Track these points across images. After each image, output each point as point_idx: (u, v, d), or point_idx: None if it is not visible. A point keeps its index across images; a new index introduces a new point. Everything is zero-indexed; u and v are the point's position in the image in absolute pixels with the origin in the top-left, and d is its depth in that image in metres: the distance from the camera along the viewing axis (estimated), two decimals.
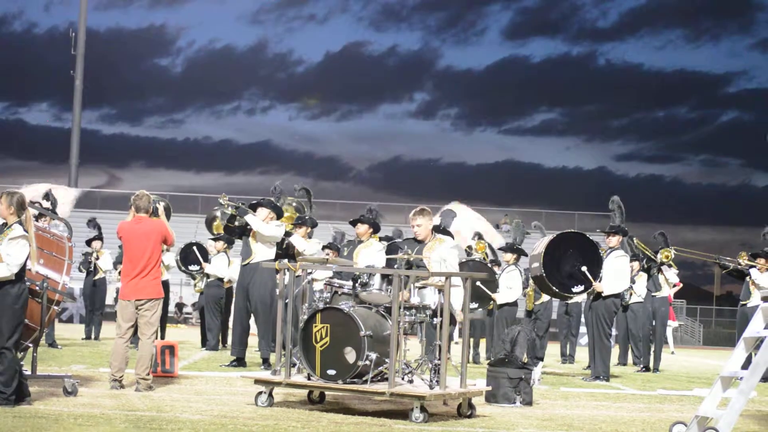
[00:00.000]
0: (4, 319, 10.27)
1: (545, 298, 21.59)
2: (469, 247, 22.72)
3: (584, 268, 16.92)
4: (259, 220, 16.52)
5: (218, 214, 17.59)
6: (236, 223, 16.94)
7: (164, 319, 21.75)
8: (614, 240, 17.79)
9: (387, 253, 12.96)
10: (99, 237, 24.20)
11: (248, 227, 16.70)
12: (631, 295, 22.06)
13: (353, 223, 17.30)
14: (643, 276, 22.03)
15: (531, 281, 20.45)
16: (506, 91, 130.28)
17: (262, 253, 16.73)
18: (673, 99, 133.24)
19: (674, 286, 22.66)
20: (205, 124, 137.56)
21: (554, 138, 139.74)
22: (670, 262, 21.66)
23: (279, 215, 17.00)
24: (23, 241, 10.34)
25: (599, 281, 17.10)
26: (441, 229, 16.37)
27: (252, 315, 17.13)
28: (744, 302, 20.40)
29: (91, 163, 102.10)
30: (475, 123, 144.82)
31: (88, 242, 24.38)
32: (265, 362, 16.67)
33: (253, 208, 16.74)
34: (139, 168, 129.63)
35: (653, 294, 21.84)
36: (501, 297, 20.33)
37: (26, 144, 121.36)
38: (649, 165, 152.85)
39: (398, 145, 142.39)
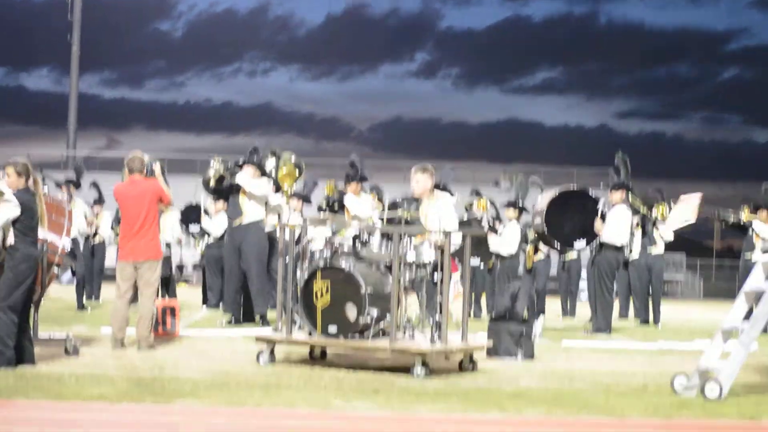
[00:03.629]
0: (6, 280, 10.27)
1: (541, 256, 21.64)
2: (470, 204, 22.67)
3: (599, 206, 16.94)
4: (248, 178, 16.49)
5: (211, 173, 17.55)
6: (224, 184, 16.92)
7: (171, 280, 21.79)
8: (617, 195, 17.76)
9: (388, 209, 12.94)
10: (100, 200, 24.19)
11: (236, 187, 16.67)
12: (631, 251, 22.06)
13: (346, 184, 17.43)
14: (639, 232, 22.01)
15: (530, 239, 20.49)
16: (507, 50, 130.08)
17: (252, 212, 16.70)
18: (673, 57, 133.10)
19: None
20: (206, 86, 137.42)
21: (555, 96, 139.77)
22: (666, 218, 21.61)
23: (263, 173, 16.95)
24: (13, 205, 10.26)
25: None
26: (440, 187, 16.35)
27: (245, 274, 17.09)
28: (747, 256, 20.32)
29: (91, 127, 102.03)
30: (477, 82, 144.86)
31: (91, 206, 24.39)
32: (263, 319, 16.67)
33: (239, 167, 16.72)
34: (139, 131, 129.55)
35: (648, 250, 21.83)
36: (495, 242, 20.19)
37: (27, 109, 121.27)
38: (650, 122, 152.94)
39: (399, 105, 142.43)
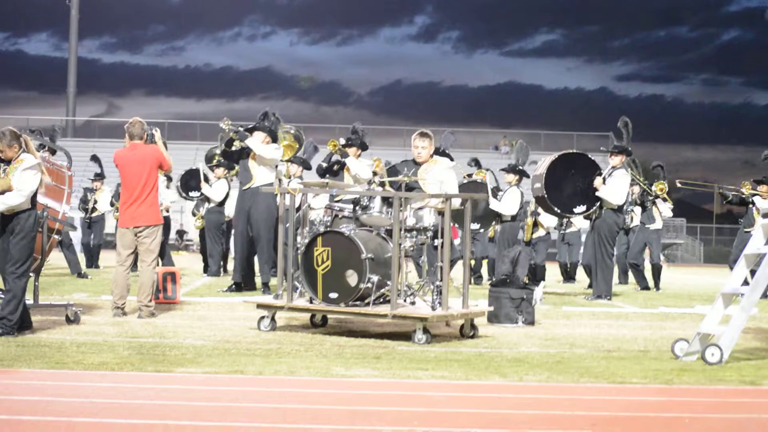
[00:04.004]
0: (18, 246, 10.28)
1: (542, 232, 21.65)
2: (469, 175, 22.62)
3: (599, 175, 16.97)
4: (259, 143, 16.46)
5: (223, 134, 17.49)
6: (234, 147, 16.87)
7: (164, 246, 21.74)
8: (617, 159, 17.73)
9: (387, 175, 12.91)
10: (101, 175, 24.18)
11: (246, 151, 16.63)
12: (632, 218, 22.06)
13: (345, 148, 17.42)
14: (638, 208, 22.04)
15: (528, 213, 20.48)
16: (507, 12, 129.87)
17: (262, 177, 16.67)
18: (674, 18, 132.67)
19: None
20: (206, 51, 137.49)
21: (555, 59, 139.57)
22: (665, 196, 21.60)
23: (274, 139, 16.92)
24: (36, 171, 10.31)
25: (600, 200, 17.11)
26: (440, 152, 16.32)
27: (254, 239, 17.11)
28: (747, 230, 20.23)
29: (90, 92, 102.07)
30: (476, 45, 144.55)
31: (92, 180, 24.42)
32: (265, 286, 16.69)
33: (249, 132, 16.67)
34: (139, 96, 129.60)
35: (647, 225, 21.83)
36: (495, 203, 20.16)
37: (26, 74, 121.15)
38: (650, 85, 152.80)
39: (399, 68, 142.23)
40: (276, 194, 16.42)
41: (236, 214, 17.33)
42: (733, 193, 20.89)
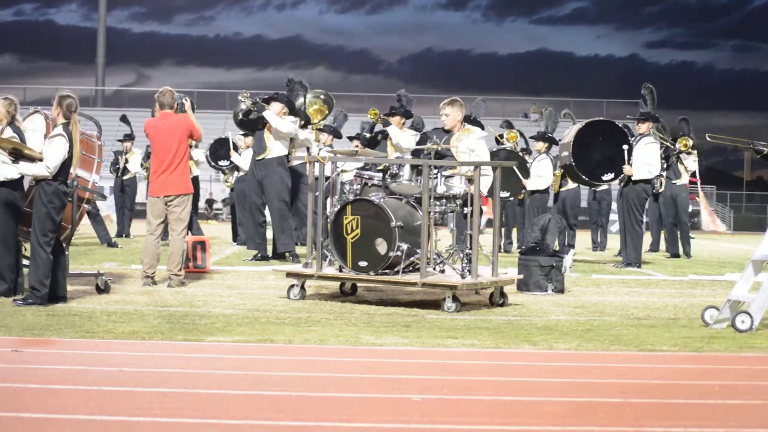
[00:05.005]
0: (38, 216, 10.32)
1: (572, 185, 21.52)
2: (500, 135, 22.61)
3: (625, 147, 16.83)
4: (275, 116, 16.38)
5: (242, 107, 17.46)
6: (250, 117, 16.84)
7: (192, 216, 21.76)
8: (644, 126, 17.62)
9: (417, 143, 12.90)
10: (131, 136, 24.22)
11: (262, 121, 16.58)
12: (662, 183, 21.94)
13: (386, 117, 17.33)
14: (663, 164, 21.89)
15: (558, 165, 20.39)
16: None
17: (277, 149, 16.60)
18: None
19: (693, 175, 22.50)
20: (236, 20, 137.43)
21: (585, 26, 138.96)
22: (689, 150, 21.45)
23: (291, 109, 16.85)
24: (61, 140, 10.36)
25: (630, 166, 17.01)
26: (471, 120, 16.26)
27: (268, 209, 17.06)
28: None
29: (120, 62, 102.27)
30: (506, 13, 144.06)
31: (121, 141, 24.47)
32: (293, 256, 16.63)
33: (266, 102, 16.61)
34: (168, 66, 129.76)
35: (673, 181, 21.69)
36: (531, 184, 20.22)
37: (56, 44, 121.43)
38: (680, 52, 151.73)
39: (429, 36, 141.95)
40: (290, 164, 16.47)
41: (249, 184, 17.26)
42: (767, 148, 20.73)
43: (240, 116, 17.34)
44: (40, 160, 10.26)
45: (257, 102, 16.48)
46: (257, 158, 16.82)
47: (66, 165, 10.47)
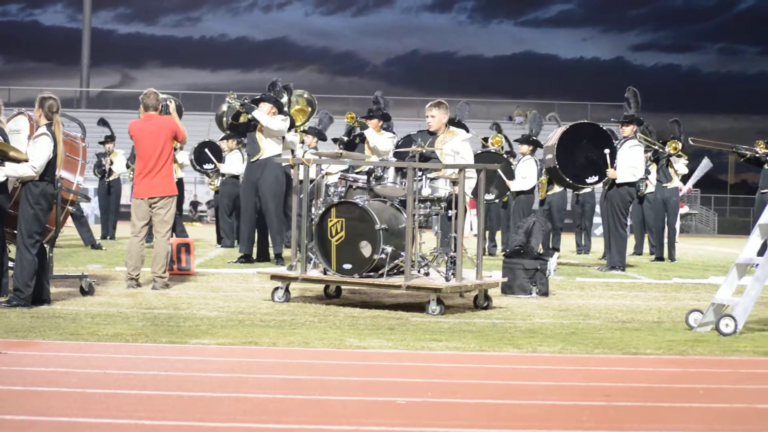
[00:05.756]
0: (25, 217, 10.30)
1: (558, 188, 21.53)
2: (485, 139, 22.64)
3: (607, 151, 16.86)
4: (266, 115, 16.37)
5: (225, 108, 17.44)
6: (241, 120, 16.81)
7: (178, 218, 21.73)
8: (628, 129, 17.67)
9: (401, 145, 12.89)
10: (111, 137, 24.16)
11: (252, 123, 16.56)
12: (646, 186, 21.97)
13: (364, 120, 17.33)
14: (654, 167, 21.92)
15: (543, 172, 20.43)
16: None
17: (271, 148, 16.58)
18: None
19: (684, 178, 22.52)
20: (221, 21, 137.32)
21: (571, 29, 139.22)
22: (680, 153, 21.48)
23: (280, 109, 16.84)
24: (45, 139, 10.34)
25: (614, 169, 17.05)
26: (455, 122, 16.27)
27: (261, 211, 17.05)
28: (764, 190, 20.24)
29: (105, 63, 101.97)
30: (492, 15, 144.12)
31: (102, 143, 24.40)
32: (278, 258, 16.67)
33: (255, 103, 16.60)
34: (154, 67, 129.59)
35: (663, 184, 21.72)
36: (515, 185, 20.27)
37: (40, 45, 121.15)
38: (666, 54, 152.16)
39: (414, 38, 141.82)
40: (290, 165, 16.44)
41: (244, 186, 17.22)
42: (749, 152, 20.79)
43: (229, 120, 17.31)
44: (26, 161, 10.24)
45: (245, 103, 16.46)
46: (252, 160, 16.79)
47: (51, 165, 10.44)
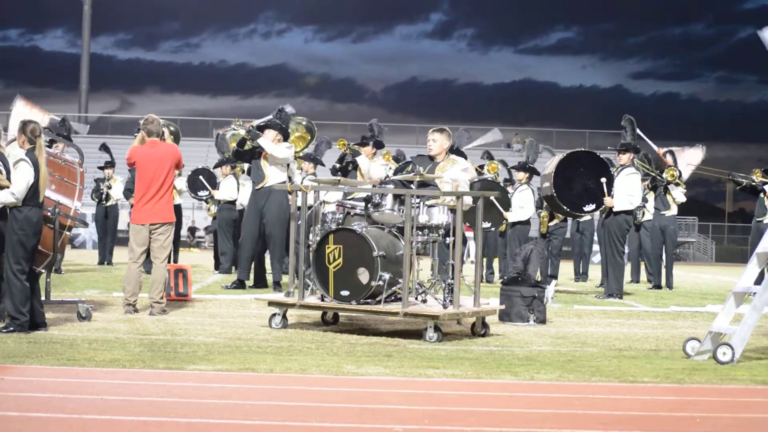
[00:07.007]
0: (10, 243, 10.28)
1: (558, 221, 21.57)
2: (481, 166, 22.68)
3: (603, 180, 16.87)
4: (270, 142, 16.39)
5: (227, 136, 17.47)
6: (246, 147, 16.82)
7: (177, 244, 21.73)
8: (625, 157, 17.70)
9: (399, 170, 12.90)
10: (111, 163, 24.19)
11: (257, 150, 16.57)
12: (644, 213, 21.99)
13: (358, 147, 17.36)
14: (651, 195, 21.95)
15: (545, 204, 20.44)
16: (522, 10, 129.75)
17: (275, 176, 16.59)
18: (689, 15, 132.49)
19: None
20: (221, 47, 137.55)
21: (570, 57, 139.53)
22: (677, 181, 21.50)
23: (285, 137, 16.87)
24: (24, 165, 10.32)
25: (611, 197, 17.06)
26: (454, 150, 16.30)
27: (266, 238, 17.05)
28: (759, 219, 20.30)
29: (105, 88, 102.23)
30: (492, 43, 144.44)
31: (101, 168, 24.43)
32: (277, 285, 16.67)
33: (260, 130, 16.62)
34: (153, 93, 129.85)
35: (661, 212, 21.74)
36: (513, 216, 20.31)
37: (40, 70, 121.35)
38: (665, 83, 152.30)
39: (414, 66, 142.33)
40: (288, 192, 16.44)
41: (248, 212, 17.21)
42: (746, 180, 20.83)
43: (234, 146, 17.31)
44: (8, 188, 10.24)
45: (251, 130, 16.48)
46: (256, 188, 16.78)
47: (34, 190, 10.41)
